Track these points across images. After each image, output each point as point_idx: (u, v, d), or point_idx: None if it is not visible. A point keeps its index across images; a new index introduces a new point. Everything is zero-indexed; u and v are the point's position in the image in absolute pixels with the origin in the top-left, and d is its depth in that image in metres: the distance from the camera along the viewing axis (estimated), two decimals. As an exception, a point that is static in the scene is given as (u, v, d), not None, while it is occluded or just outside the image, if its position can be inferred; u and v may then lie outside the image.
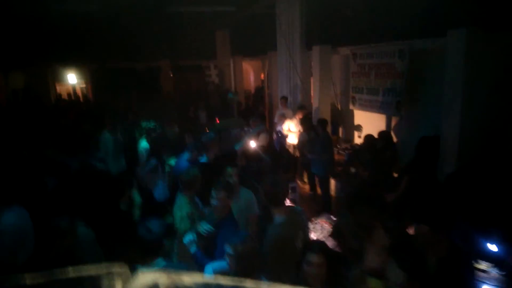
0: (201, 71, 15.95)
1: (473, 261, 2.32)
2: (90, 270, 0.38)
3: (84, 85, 16.15)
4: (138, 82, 13.87)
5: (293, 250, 2.61)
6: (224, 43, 13.75)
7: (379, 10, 6.31)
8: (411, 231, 2.86)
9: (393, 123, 7.15)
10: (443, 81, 5.10)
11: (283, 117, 8.13)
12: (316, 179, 6.82)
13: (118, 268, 0.39)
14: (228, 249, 2.33)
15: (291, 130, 7.79)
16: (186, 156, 4.97)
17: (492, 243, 2.89)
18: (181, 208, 3.50)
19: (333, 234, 2.86)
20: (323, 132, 6.36)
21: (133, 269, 0.41)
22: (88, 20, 10.32)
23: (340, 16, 7.40)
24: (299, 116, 7.59)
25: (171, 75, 14.96)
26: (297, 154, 7.59)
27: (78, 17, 9.94)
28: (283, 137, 7.92)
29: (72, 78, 15.37)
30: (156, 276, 0.38)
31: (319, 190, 6.81)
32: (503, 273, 2.96)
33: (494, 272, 2.98)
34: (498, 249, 2.98)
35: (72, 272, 0.38)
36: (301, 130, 7.40)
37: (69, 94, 15.37)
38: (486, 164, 4.19)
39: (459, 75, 4.78)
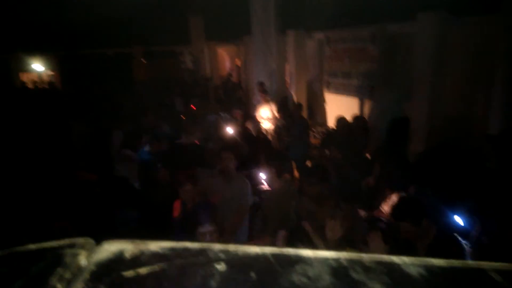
0: (175, 58, 15.59)
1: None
2: (52, 243, 0.37)
3: (51, 74, 15.46)
4: (109, 69, 13.40)
5: (286, 214, 3.07)
6: (198, 29, 13.46)
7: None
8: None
9: (366, 106, 7.28)
10: (414, 64, 5.21)
11: (258, 104, 8.09)
12: (293, 164, 6.88)
13: (82, 240, 0.38)
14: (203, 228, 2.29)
15: (262, 116, 7.75)
16: (146, 148, 4.81)
17: (458, 215, 3.03)
18: None
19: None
20: (299, 116, 6.39)
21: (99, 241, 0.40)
22: (54, 3, 9.80)
23: (314, 0, 7.38)
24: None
25: (144, 62, 14.56)
26: (270, 138, 7.59)
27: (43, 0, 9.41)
28: (258, 123, 7.89)
29: (38, 66, 14.67)
30: (121, 244, 0.38)
31: (296, 174, 6.88)
32: (469, 245, 3.11)
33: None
34: (464, 222, 3.12)
35: (32, 245, 0.37)
36: (274, 115, 7.39)
37: (35, 83, 14.66)
38: (454, 145, 4.35)
39: (429, 59, 4.89)
